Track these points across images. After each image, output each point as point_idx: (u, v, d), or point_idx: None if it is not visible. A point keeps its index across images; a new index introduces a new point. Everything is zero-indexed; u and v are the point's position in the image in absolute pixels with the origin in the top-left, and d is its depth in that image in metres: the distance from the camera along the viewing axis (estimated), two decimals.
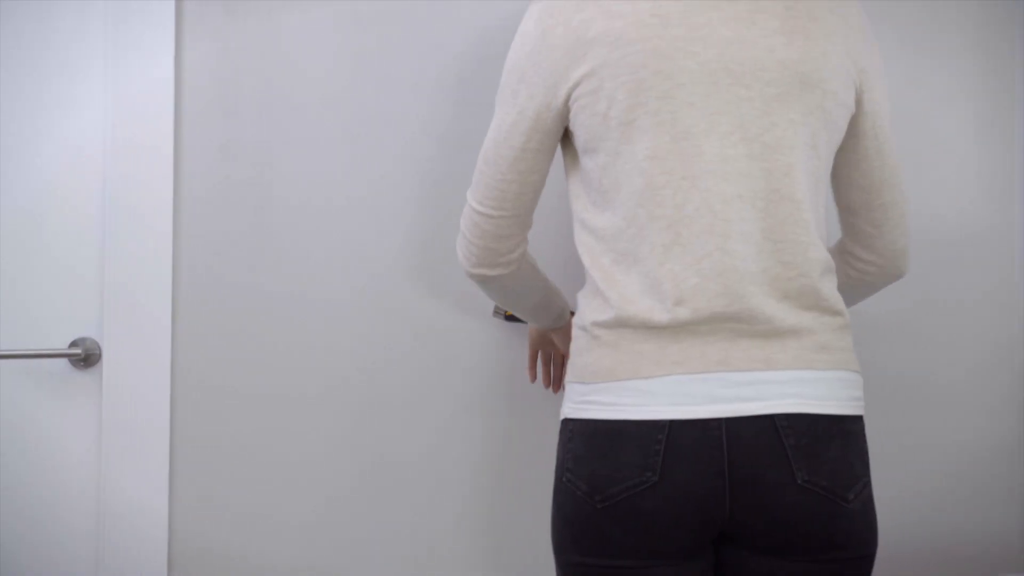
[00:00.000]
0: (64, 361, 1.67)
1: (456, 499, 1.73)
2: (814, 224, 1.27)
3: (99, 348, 1.67)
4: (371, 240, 1.72)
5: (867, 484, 1.26)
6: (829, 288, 1.27)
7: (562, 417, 1.31)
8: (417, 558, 1.72)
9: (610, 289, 1.25)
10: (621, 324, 1.24)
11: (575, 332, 1.31)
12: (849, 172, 1.35)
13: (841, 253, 1.43)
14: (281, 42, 1.69)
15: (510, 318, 1.68)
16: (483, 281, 1.38)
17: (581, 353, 1.28)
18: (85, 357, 1.66)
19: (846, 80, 1.28)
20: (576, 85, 1.25)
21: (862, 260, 1.40)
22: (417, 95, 1.72)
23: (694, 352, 1.22)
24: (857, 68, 1.30)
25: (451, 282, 1.73)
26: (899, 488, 1.82)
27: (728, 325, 1.22)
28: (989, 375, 1.85)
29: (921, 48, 1.84)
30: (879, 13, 1.83)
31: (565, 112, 1.28)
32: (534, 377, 1.70)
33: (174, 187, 1.67)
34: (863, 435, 1.27)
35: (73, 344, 1.66)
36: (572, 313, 1.61)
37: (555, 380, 1.70)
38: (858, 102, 1.31)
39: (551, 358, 1.69)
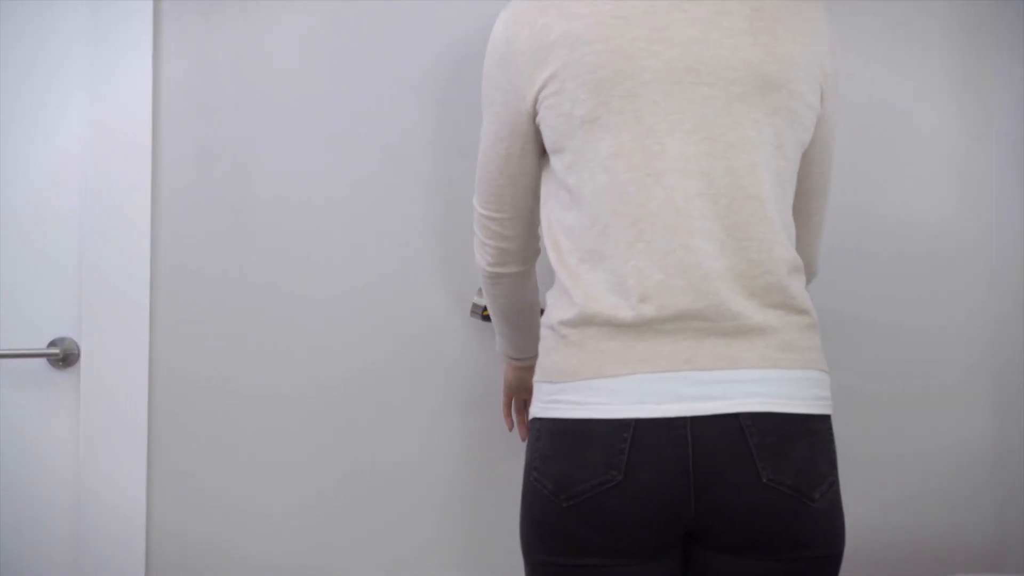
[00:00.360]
0: (43, 361, 1.68)
1: (439, 498, 1.73)
2: (780, 223, 1.27)
3: (77, 348, 1.67)
4: (351, 240, 1.72)
5: (834, 483, 1.25)
6: (796, 286, 1.27)
7: (531, 416, 1.31)
8: (399, 556, 1.72)
9: (575, 287, 1.25)
10: (586, 322, 1.23)
11: (543, 332, 1.31)
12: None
13: None
14: (258, 43, 1.70)
15: (487, 318, 1.67)
16: (498, 280, 1.42)
17: (548, 352, 1.28)
18: (64, 357, 1.66)
19: (812, 82, 1.28)
20: (542, 88, 1.26)
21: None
22: (397, 95, 1.72)
23: (661, 350, 1.21)
24: (823, 72, 1.30)
25: (433, 281, 1.73)
26: (872, 487, 1.81)
27: (694, 323, 1.22)
28: (963, 374, 1.84)
29: (897, 46, 1.83)
30: (853, 10, 1.83)
31: (536, 115, 1.29)
32: (511, 425, 1.68)
33: (152, 187, 1.67)
34: (830, 434, 1.27)
35: (52, 344, 1.67)
36: None
37: (521, 421, 1.68)
38: (822, 104, 1.32)
39: (525, 405, 1.66)
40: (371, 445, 1.72)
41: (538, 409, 1.28)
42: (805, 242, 1.44)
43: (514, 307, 1.48)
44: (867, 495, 1.81)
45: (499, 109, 1.31)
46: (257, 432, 1.69)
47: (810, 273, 1.49)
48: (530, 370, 1.60)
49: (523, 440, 1.69)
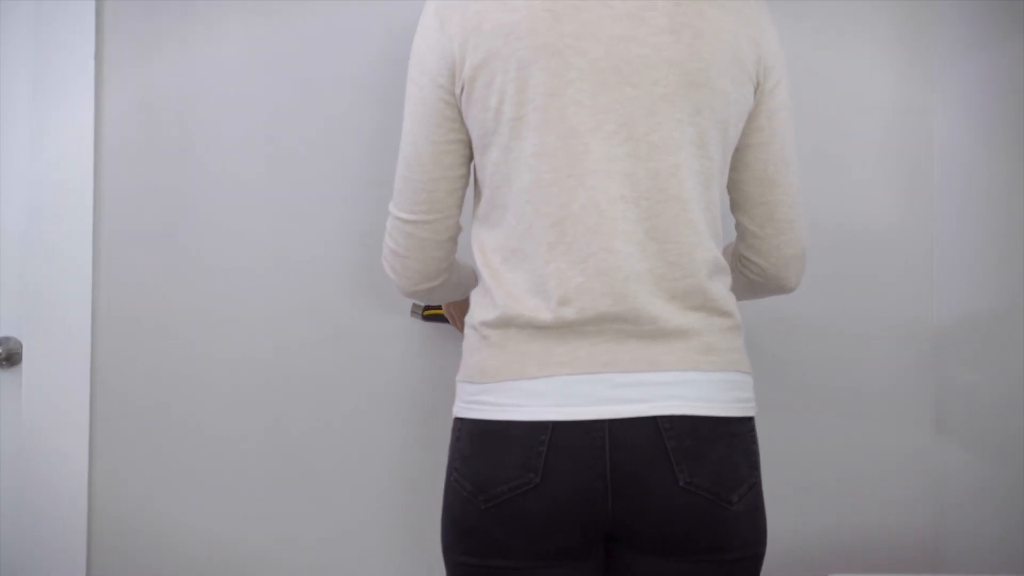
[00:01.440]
0: None
1: (373, 497, 1.74)
2: (704, 224, 1.25)
3: (21, 348, 1.67)
4: (291, 240, 1.72)
5: (754, 486, 1.25)
6: (718, 288, 1.26)
7: (454, 416, 1.30)
8: (339, 534, 1.73)
9: (497, 288, 1.24)
10: (507, 323, 1.23)
11: (466, 331, 1.31)
12: (737, 164, 1.32)
13: (734, 254, 1.41)
14: (198, 43, 1.70)
15: (428, 318, 1.68)
16: (428, 293, 1.36)
17: (471, 352, 1.28)
18: (7, 356, 1.67)
19: (740, 76, 1.26)
20: (472, 77, 1.22)
21: (748, 262, 1.37)
22: (335, 96, 1.73)
23: (581, 353, 1.21)
24: (753, 60, 1.27)
25: (371, 282, 1.74)
26: (811, 489, 1.81)
27: (615, 325, 1.21)
28: (901, 375, 1.83)
29: (835, 51, 1.82)
30: (788, 12, 1.82)
31: (460, 104, 1.26)
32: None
33: (94, 189, 1.67)
34: (752, 436, 1.26)
35: None
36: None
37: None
38: (756, 94, 1.29)
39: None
40: (310, 445, 1.72)
41: (460, 409, 1.28)
42: (774, 243, 1.34)
43: (453, 289, 1.40)
44: (806, 496, 1.81)
45: (428, 92, 1.25)
46: (198, 433, 1.70)
47: (780, 284, 1.39)
48: None
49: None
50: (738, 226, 1.36)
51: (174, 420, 1.69)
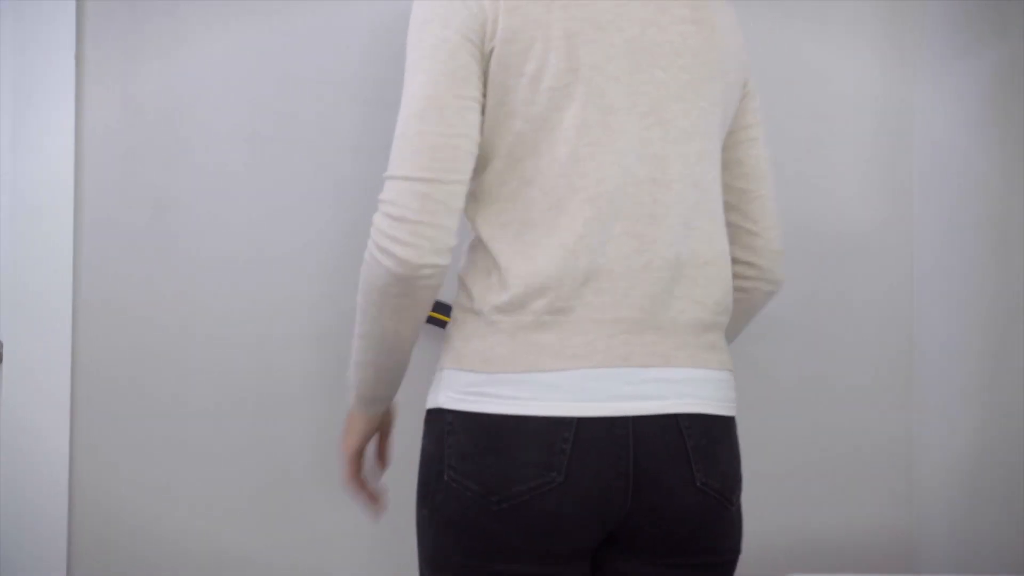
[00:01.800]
0: None
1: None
2: (720, 214, 1.25)
3: (1, 347, 1.66)
4: (274, 239, 1.71)
5: (741, 488, 1.25)
6: (730, 282, 1.26)
7: (435, 406, 1.20)
8: (312, 536, 1.72)
9: (511, 265, 1.16)
10: (520, 306, 1.15)
11: (459, 315, 1.21)
12: (729, 162, 1.32)
13: None
14: (180, 41, 1.69)
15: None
16: (429, 279, 1.15)
17: (470, 339, 1.18)
18: None
19: (741, 74, 1.29)
20: (506, 38, 1.15)
21: (741, 263, 1.34)
22: (319, 95, 1.72)
23: (597, 345, 1.15)
24: (744, 60, 1.31)
25: (355, 279, 1.73)
26: (786, 486, 1.81)
27: (633, 314, 1.17)
28: (880, 373, 1.84)
29: (818, 47, 1.83)
30: (773, 9, 1.84)
31: (488, 62, 1.17)
32: (370, 495, 1.40)
33: (75, 187, 1.66)
34: (737, 437, 1.27)
35: None
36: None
37: (381, 454, 1.44)
38: (743, 92, 1.32)
39: (383, 435, 1.43)
40: (292, 445, 1.72)
41: (450, 400, 1.18)
42: (767, 238, 1.35)
43: (419, 320, 1.22)
44: (782, 494, 1.81)
45: (455, 49, 1.14)
46: (178, 432, 1.69)
47: (776, 278, 1.38)
48: (383, 416, 1.38)
49: (381, 470, 1.44)
50: (729, 227, 1.34)
51: (157, 419, 1.68)
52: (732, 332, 1.43)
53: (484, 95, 1.17)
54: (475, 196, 1.21)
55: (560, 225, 1.15)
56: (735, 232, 1.34)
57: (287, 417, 1.72)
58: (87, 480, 1.66)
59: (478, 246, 1.21)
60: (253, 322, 1.71)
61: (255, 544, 1.71)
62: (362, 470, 1.39)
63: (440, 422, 1.19)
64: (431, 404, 1.22)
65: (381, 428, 1.40)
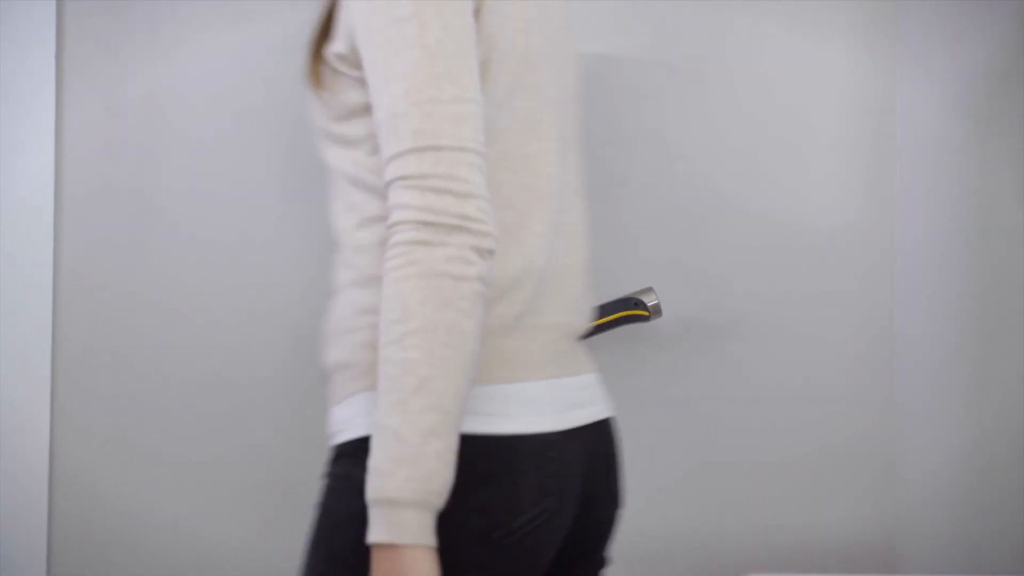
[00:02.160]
0: None
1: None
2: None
3: None
4: (254, 240, 1.71)
5: None
6: None
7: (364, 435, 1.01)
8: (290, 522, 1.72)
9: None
10: (487, 311, 0.97)
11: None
12: None
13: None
14: (161, 43, 1.69)
15: None
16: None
17: None
18: None
19: None
20: None
21: None
22: (302, 98, 1.72)
23: (547, 350, 1.05)
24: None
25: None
26: (766, 487, 1.80)
27: (565, 318, 1.10)
28: (861, 372, 1.83)
29: (798, 46, 1.83)
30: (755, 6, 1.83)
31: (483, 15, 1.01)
32: None
33: (55, 187, 1.66)
34: None
35: None
36: None
37: None
38: None
39: None
40: (271, 446, 1.72)
41: None
42: None
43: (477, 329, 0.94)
44: (763, 493, 1.81)
45: (461, 8, 0.96)
46: (159, 433, 1.69)
47: None
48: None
49: None
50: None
51: (138, 417, 1.69)
52: None
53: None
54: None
55: (525, 223, 1.05)
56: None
57: (270, 414, 1.72)
58: (68, 483, 1.67)
59: None
60: (235, 320, 1.71)
61: (238, 540, 1.71)
62: None
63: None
64: (359, 433, 1.00)
65: None
